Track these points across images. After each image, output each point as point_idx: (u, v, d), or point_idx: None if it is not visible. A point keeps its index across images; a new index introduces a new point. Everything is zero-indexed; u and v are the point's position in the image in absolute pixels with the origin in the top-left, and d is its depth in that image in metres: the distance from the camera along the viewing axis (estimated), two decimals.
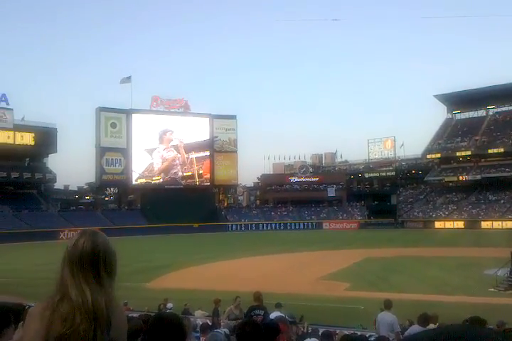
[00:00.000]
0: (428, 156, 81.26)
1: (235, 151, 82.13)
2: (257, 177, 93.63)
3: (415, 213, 74.38)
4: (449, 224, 66.62)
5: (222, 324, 11.11)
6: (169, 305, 15.44)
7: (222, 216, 76.23)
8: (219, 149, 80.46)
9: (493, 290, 22.12)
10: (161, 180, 74.36)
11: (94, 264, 1.89)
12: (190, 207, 66.63)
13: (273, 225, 74.03)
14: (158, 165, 74.32)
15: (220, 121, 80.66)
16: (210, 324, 11.53)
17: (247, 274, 27.43)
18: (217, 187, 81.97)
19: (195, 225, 66.40)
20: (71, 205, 76.32)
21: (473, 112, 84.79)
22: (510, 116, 79.09)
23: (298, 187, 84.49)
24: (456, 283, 23.36)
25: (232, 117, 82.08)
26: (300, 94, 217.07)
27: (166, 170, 74.80)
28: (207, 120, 79.43)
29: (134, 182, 73.28)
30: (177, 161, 75.35)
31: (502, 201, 69.31)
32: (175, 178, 75.25)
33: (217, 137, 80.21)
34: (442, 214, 70.91)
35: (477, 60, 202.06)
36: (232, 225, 73.13)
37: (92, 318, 1.81)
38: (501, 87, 73.81)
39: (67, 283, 1.86)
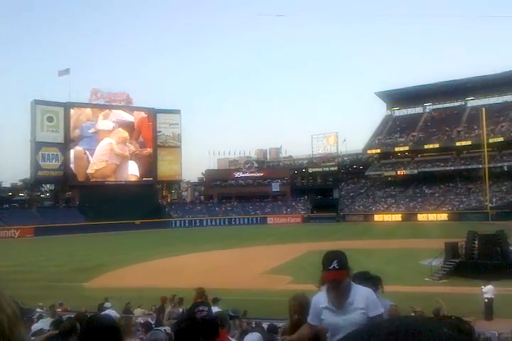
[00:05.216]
0: (369, 152, 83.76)
1: (179, 146, 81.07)
2: (202, 173, 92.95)
3: (356, 207, 76.52)
4: (387, 217, 69.01)
5: (166, 323, 10.87)
6: (107, 304, 14.94)
7: (166, 212, 75.06)
8: (162, 144, 79.19)
9: (428, 279, 23.11)
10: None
11: None
12: (131, 203, 65.01)
13: (217, 221, 73.78)
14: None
15: (164, 115, 79.33)
16: (152, 322, 11.27)
17: (191, 270, 27.15)
18: (161, 182, 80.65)
19: (137, 222, 64.87)
20: (4, 203, 72.48)
21: (411, 109, 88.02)
22: (445, 113, 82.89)
23: (242, 182, 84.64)
24: (394, 273, 24.10)
25: (176, 112, 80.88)
26: (244, 90, 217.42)
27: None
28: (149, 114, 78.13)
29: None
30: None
31: (437, 194, 72.65)
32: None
33: (160, 132, 78.90)
34: (381, 208, 73.39)
35: (416, 58, 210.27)
36: (175, 221, 72.11)
37: None
38: (438, 84, 77.13)
39: None
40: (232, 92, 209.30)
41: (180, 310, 11.72)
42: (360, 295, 3.33)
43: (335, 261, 3.26)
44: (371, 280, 4.20)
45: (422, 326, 0.58)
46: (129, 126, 75.77)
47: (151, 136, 77.90)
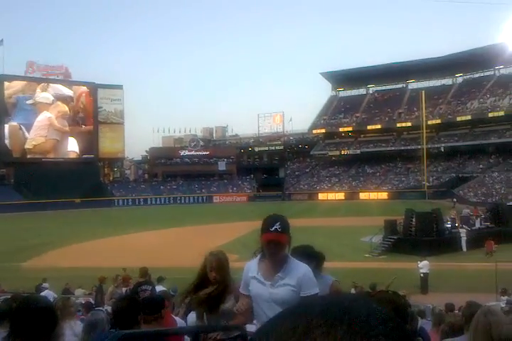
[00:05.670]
0: (314, 131, 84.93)
1: (122, 123, 78.65)
2: (146, 151, 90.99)
3: (301, 186, 77.82)
4: (331, 196, 70.63)
5: (107, 302, 10.62)
6: (45, 284, 14.46)
7: (108, 191, 73.09)
8: (104, 120, 76.49)
9: (368, 255, 23.95)
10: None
11: None
12: (71, 181, 62.59)
13: (162, 199, 72.73)
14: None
15: (105, 90, 76.37)
16: (93, 302, 10.97)
17: (134, 250, 26.69)
18: (102, 160, 78.23)
19: (77, 201, 62.81)
20: None
21: (355, 90, 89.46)
22: (387, 95, 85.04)
23: (188, 160, 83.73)
24: (336, 250, 24.78)
25: (119, 87, 78.04)
26: (191, 67, 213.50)
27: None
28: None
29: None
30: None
31: (378, 174, 75.07)
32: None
33: (101, 108, 76.09)
34: (325, 187, 75.00)
35: (362, 40, 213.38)
36: (118, 200, 70.34)
37: None
38: (380, 66, 78.65)
39: None
40: (179, 70, 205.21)
41: (124, 289, 11.49)
42: (295, 271, 3.03)
43: (277, 223, 2.96)
44: (313, 257, 3.81)
45: (353, 303, 0.60)
46: (68, 101, 72.51)
47: (91, 111, 75.00)
